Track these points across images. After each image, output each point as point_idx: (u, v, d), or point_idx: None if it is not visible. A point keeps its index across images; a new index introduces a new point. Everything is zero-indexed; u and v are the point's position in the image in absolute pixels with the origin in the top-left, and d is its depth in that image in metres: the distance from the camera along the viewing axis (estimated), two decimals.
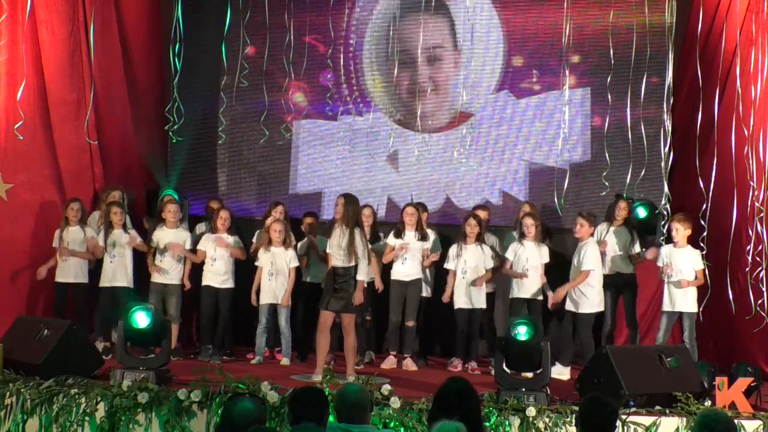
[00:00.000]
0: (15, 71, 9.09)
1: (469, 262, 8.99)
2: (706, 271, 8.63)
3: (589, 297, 8.72)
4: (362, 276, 8.10)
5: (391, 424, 6.64)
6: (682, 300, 8.53)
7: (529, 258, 8.89)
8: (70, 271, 9.00)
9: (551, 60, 10.38)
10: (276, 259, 8.96)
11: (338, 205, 8.21)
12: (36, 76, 9.24)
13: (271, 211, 9.44)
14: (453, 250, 9.10)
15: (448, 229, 9.89)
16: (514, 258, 8.96)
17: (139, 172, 10.27)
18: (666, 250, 8.70)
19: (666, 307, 8.63)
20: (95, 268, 9.16)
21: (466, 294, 9.02)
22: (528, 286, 8.91)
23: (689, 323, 8.53)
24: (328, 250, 8.19)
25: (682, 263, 8.55)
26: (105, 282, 9.02)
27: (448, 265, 9.10)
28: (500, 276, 9.23)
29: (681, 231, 8.56)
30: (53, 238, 9.01)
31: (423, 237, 9.11)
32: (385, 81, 10.62)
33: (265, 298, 9.02)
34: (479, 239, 9.06)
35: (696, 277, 8.56)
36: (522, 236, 9.01)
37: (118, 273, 8.99)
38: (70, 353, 7.45)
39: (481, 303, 9.06)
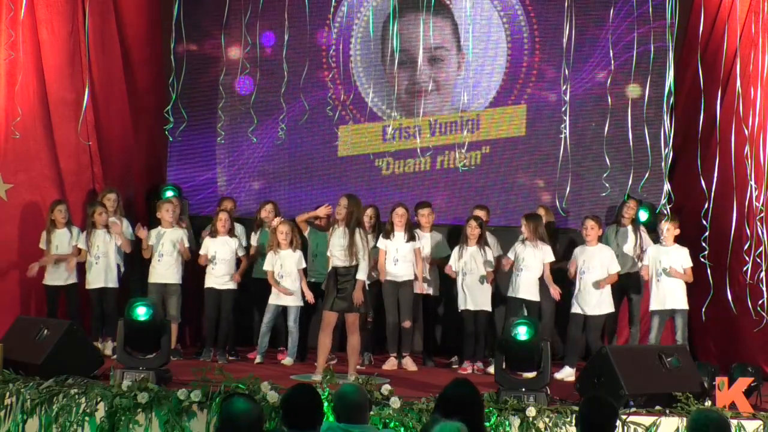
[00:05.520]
0: (15, 71, 9.09)
1: (471, 263, 8.98)
2: (708, 271, 8.62)
3: (603, 299, 8.73)
4: (362, 275, 8.07)
5: (391, 424, 6.64)
6: (672, 298, 8.55)
7: (525, 258, 8.88)
8: (61, 274, 9.00)
9: (552, 60, 10.39)
10: (284, 261, 8.97)
11: (339, 205, 8.16)
12: (36, 76, 9.23)
13: (261, 209, 9.48)
14: (455, 252, 9.09)
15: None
16: (514, 258, 8.96)
17: (139, 171, 10.25)
18: (652, 250, 8.74)
19: (654, 306, 8.65)
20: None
21: (472, 296, 9.00)
22: (524, 286, 8.88)
23: (681, 322, 8.54)
24: (330, 251, 8.19)
25: (670, 262, 8.57)
26: (91, 284, 9.05)
27: (451, 264, 9.08)
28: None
29: (670, 230, 8.60)
30: (40, 239, 8.99)
31: (411, 238, 9.06)
32: (384, 82, 10.62)
33: (273, 299, 9.03)
34: (481, 241, 9.04)
35: (684, 274, 8.58)
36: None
37: (103, 274, 9.01)
38: (70, 353, 7.44)
39: (486, 305, 9.03)
